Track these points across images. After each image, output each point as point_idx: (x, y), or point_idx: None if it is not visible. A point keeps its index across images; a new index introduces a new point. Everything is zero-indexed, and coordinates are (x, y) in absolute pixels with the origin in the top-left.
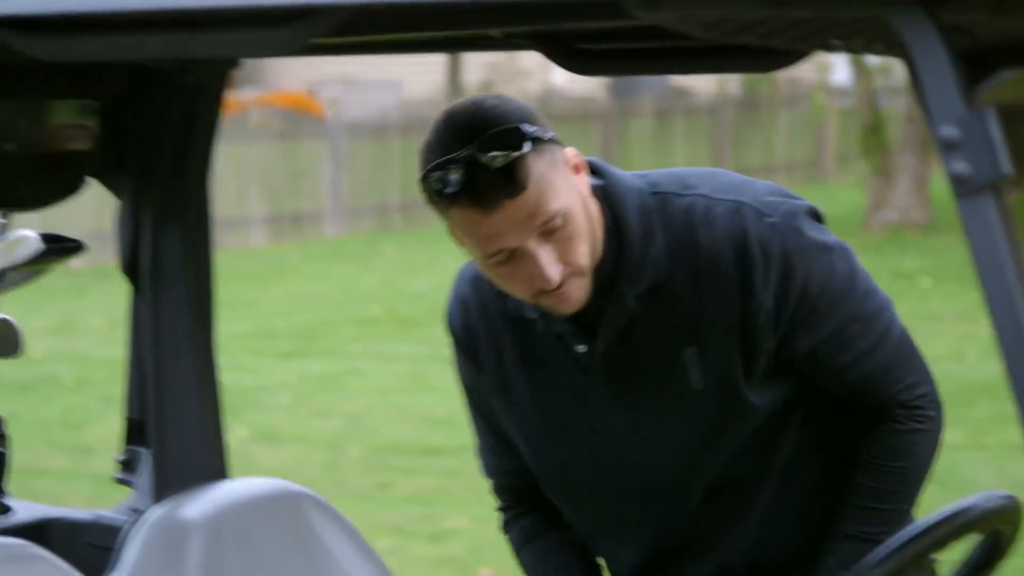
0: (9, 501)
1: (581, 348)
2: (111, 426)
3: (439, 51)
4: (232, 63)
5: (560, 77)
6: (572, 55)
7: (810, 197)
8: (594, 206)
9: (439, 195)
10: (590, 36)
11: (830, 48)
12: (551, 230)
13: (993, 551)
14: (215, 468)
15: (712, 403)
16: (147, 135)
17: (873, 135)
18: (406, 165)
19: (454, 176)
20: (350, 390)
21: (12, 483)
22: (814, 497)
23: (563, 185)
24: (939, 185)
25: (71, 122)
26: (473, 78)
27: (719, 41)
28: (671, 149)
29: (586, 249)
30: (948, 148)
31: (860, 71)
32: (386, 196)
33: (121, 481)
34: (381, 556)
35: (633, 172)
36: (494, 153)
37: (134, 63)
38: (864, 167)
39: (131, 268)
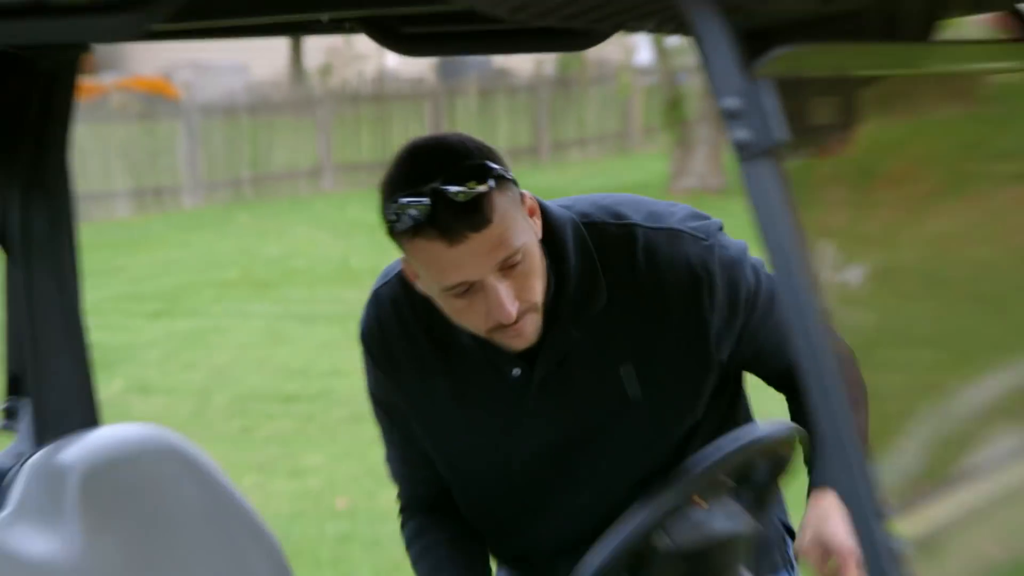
0: None
1: (516, 372)
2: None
3: (274, 35)
4: (83, 48)
5: (392, 60)
6: (399, 38)
7: (619, 167)
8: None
9: (403, 226)
10: (414, 20)
11: (626, 29)
12: (511, 265)
13: (774, 473)
14: (88, 417)
15: (649, 414)
16: (7, 116)
17: (673, 110)
18: (255, 141)
19: (419, 208)
20: (213, 345)
21: None
22: None
23: (523, 224)
24: (731, 154)
25: None
26: (313, 62)
27: (528, 23)
28: (494, 125)
29: (540, 286)
30: (731, 117)
31: (661, 52)
32: (238, 170)
33: (5, 428)
34: (245, 493)
35: (558, 201)
36: (460, 188)
37: None
38: (666, 139)
39: (2, 238)
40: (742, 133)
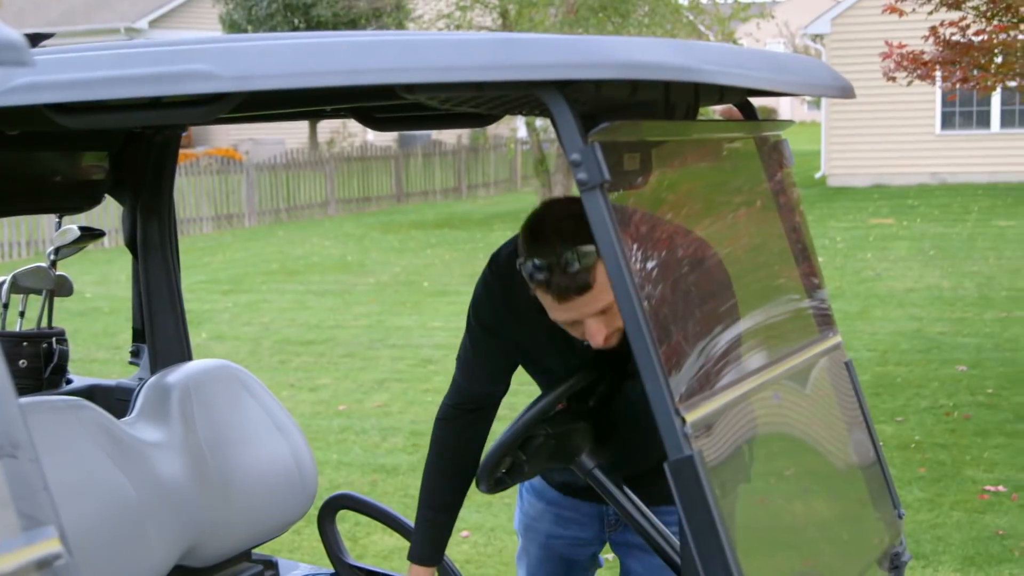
0: (71, 376)
1: (586, 342)
2: (130, 335)
3: (297, 119)
4: (181, 127)
5: (371, 136)
6: (374, 121)
7: (509, 200)
8: None
9: (529, 278)
10: (384, 109)
11: (511, 112)
12: (603, 312)
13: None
14: (184, 355)
15: None
16: (137, 170)
17: (540, 164)
18: (287, 186)
19: (542, 273)
20: (262, 310)
21: (73, 368)
22: None
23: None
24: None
25: (93, 164)
26: (323, 137)
27: (451, 110)
28: (433, 174)
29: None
30: (575, 165)
31: (532, 129)
32: (278, 203)
33: (133, 362)
34: (281, 401)
35: None
36: (573, 266)
37: (127, 129)
38: (536, 182)
39: (131, 244)
40: (582, 175)
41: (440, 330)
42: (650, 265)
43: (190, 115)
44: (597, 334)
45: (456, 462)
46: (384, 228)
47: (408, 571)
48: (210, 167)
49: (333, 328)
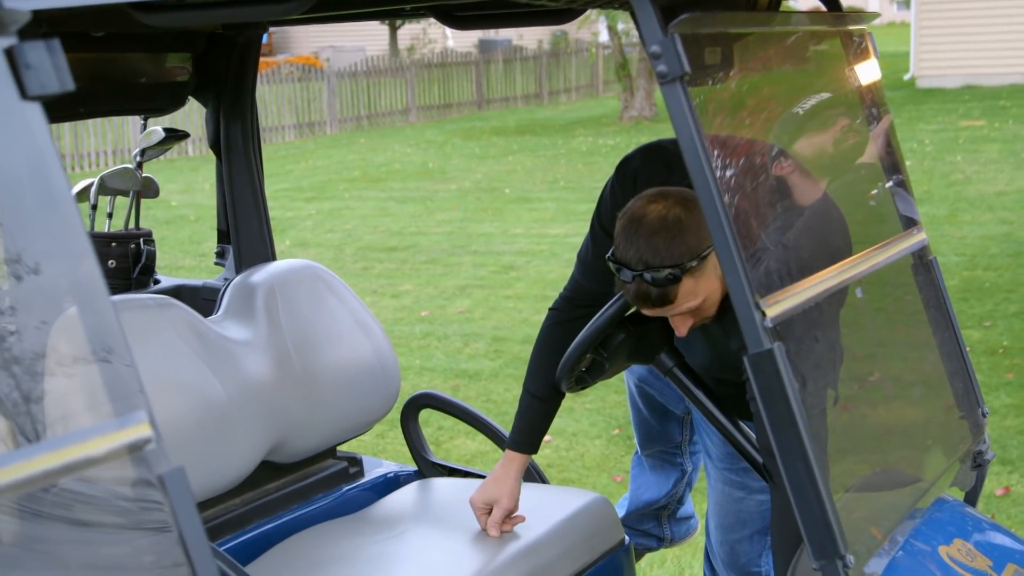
0: (158, 277)
1: None
2: (215, 242)
3: (375, 19)
4: (263, 27)
5: (451, 42)
6: (454, 19)
7: (590, 105)
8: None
9: (617, 272)
10: (463, 7)
11: (589, 5)
12: (686, 312)
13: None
14: (268, 255)
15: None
16: (216, 73)
17: (622, 69)
18: (368, 93)
19: (626, 278)
20: (344, 217)
21: (162, 270)
22: None
23: (704, 286)
24: (660, 96)
25: (178, 65)
26: (403, 44)
27: (531, 4)
28: (514, 80)
29: (713, 309)
30: (655, 58)
31: (613, 32)
32: (359, 111)
33: (219, 263)
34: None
35: None
36: (656, 276)
37: (209, 30)
38: (618, 87)
39: (215, 146)
40: (662, 67)
41: (522, 237)
42: (730, 162)
43: (270, 11)
44: (681, 326)
45: (562, 353)
46: (465, 135)
47: (504, 458)
48: (291, 75)
49: (415, 235)
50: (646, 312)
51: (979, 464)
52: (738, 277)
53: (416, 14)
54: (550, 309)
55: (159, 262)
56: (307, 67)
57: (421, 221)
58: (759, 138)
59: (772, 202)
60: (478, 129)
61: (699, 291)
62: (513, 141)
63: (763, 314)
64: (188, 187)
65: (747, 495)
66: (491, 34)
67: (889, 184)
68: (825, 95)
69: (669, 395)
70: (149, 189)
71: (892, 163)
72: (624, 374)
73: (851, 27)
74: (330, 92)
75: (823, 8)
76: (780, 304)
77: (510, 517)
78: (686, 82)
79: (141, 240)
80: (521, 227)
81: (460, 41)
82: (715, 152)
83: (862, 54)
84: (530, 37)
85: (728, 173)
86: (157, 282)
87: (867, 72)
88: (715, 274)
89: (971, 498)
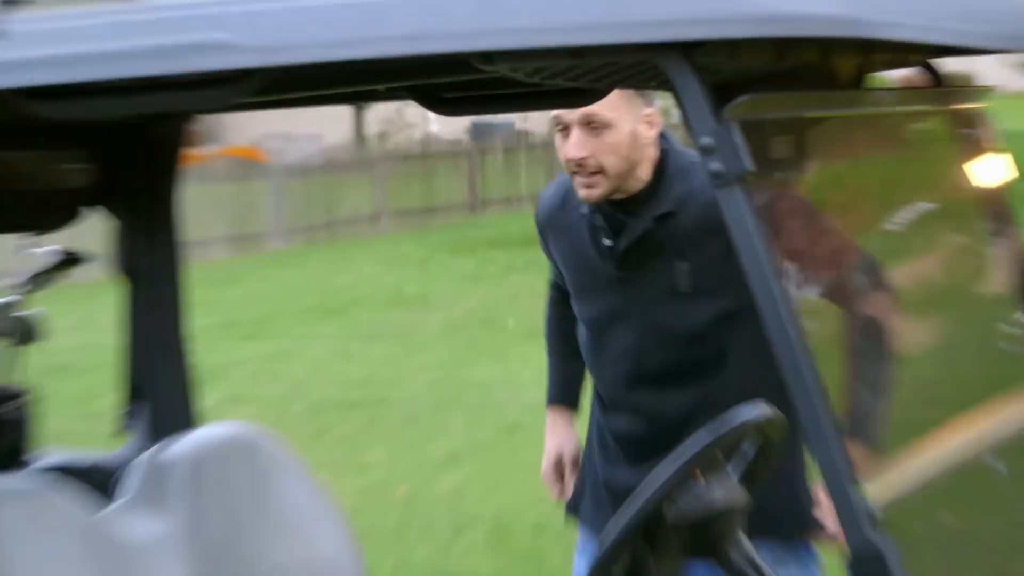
0: (37, 452)
1: (607, 242)
2: (115, 399)
3: (341, 103)
4: (185, 117)
5: (435, 126)
6: (440, 102)
7: None
8: (648, 151)
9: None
10: (452, 87)
11: (618, 85)
12: (590, 123)
13: (762, 450)
14: (192, 421)
15: (691, 304)
16: (131, 175)
17: None
18: (327, 194)
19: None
20: (293, 362)
21: (41, 440)
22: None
23: (626, 115)
24: None
25: (72, 166)
26: (372, 130)
27: (543, 83)
28: (518, 174)
29: (613, 162)
30: (706, 153)
31: None
32: (313, 218)
33: (124, 430)
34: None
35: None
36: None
37: (120, 121)
38: None
39: (124, 274)
40: (716, 165)
41: (531, 385)
42: (810, 290)
43: (203, 99)
44: (576, 144)
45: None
46: (454, 248)
47: (548, 418)
48: (226, 172)
49: (387, 385)
50: (557, 127)
51: None
52: (828, 450)
53: (392, 96)
54: (549, 294)
55: (37, 429)
56: (246, 161)
57: (396, 366)
58: (841, 261)
59: (868, 339)
60: (471, 241)
61: (614, 111)
62: (517, 256)
63: (864, 498)
64: (81, 323)
65: None
66: (485, 116)
67: (1018, 314)
68: (930, 202)
69: None
70: (27, 331)
71: (1021, 282)
72: None
73: (961, 106)
74: (276, 194)
75: (920, 83)
76: (889, 483)
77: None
78: (748, 183)
79: (14, 403)
80: (529, 372)
81: (447, 125)
82: (789, 265)
83: (978, 142)
84: (538, 118)
85: (807, 294)
86: (35, 459)
87: (987, 166)
88: (633, 122)
89: None
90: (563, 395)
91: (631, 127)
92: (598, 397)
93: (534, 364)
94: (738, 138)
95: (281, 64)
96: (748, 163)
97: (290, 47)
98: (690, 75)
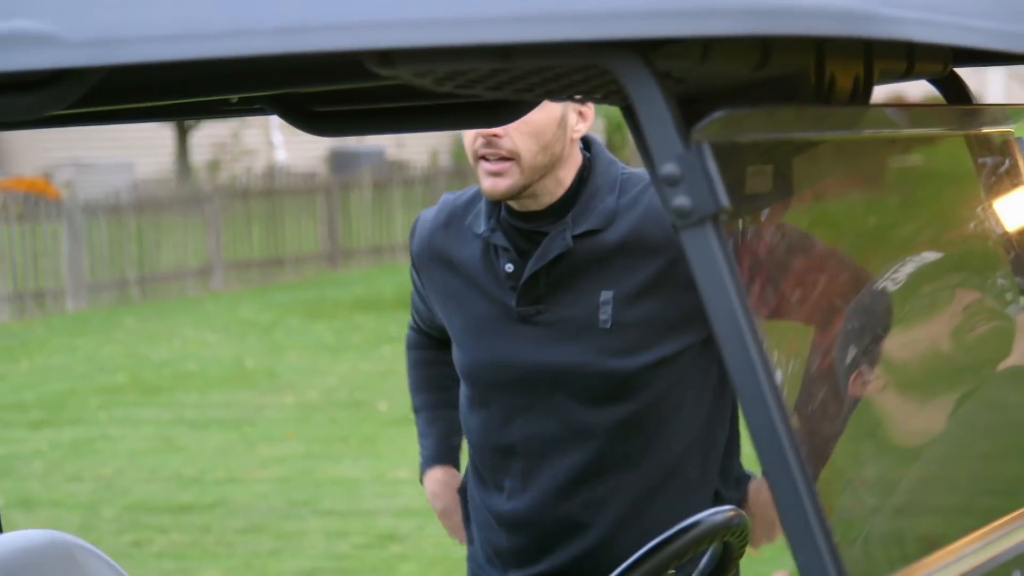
0: None
1: (508, 267)
2: None
3: (183, 118)
4: None
5: (282, 154)
6: (311, 117)
7: None
8: (573, 150)
9: None
10: (328, 97)
11: (552, 96)
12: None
13: (723, 561)
14: None
15: (614, 343)
16: None
17: None
18: (141, 241)
19: None
20: (101, 455)
21: None
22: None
23: (552, 104)
24: None
25: None
26: (200, 158)
27: (453, 94)
28: (391, 217)
29: (531, 148)
30: (670, 184)
31: None
32: (124, 271)
33: None
34: None
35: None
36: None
37: None
38: None
39: None
40: (682, 200)
41: (408, 484)
42: (793, 352)
43: (8, 108)
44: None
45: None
46: (309, 311)
47: (426, 485)
48: (5, 211)
49: (224, 484)
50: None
51: None
52: (817, 553)
53: (247, 110)
54: (407, 342)
55: None
56: (32, 196)
57: (235, 460)
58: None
59: (869, 414)
60: (330, 302)
61: (546, 111)
62: (390, 321)
63: None
64: None
65: None
66: (350, 141)
67: None
68: (946, 249)
69: None
70: None
71: None
72: None
73: (987, 130)
74: (72, 239)
75: (940, 100)
76: None
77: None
78: (721, 222)
79: None
80: (406, 468)
81: (299, 151)
82: (770, 324)
83: (1007, 175)
84: (416, 146)
85: (795, 363)
86: None
87: (1015, 205)
88: (555, 109)
89: None
90: (443, 454)
91: (560, 111)
92: (477, 475)
93: (411, 457)
94: (710, 165)
95: (110, 64)
96: (723, 198)
97: (122, 41)
98: (649, 83)
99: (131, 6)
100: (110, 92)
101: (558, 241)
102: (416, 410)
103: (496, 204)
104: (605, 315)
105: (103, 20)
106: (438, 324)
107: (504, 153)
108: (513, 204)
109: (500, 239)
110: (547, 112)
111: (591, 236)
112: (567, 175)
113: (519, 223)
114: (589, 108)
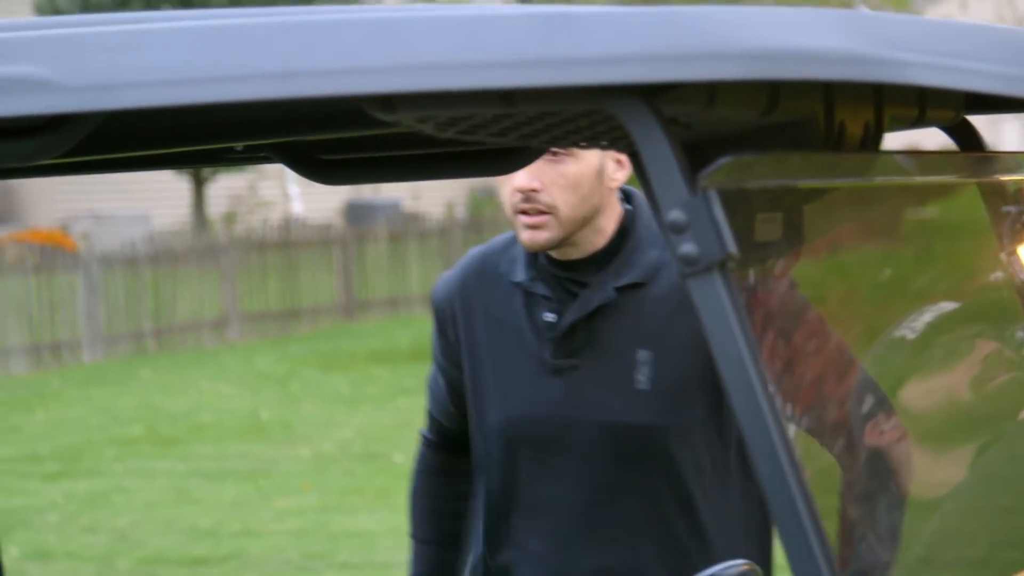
0: None
1: (549, 316)
2: None
3: (186, 166)
4: None
5: (298, 206)
6: (317, 166)
7: None
8: (612, 199)
9: None
10: (333, 146)
11: (558, 144)
12: (551, 158)
13: None
14: None
15: (650, 405)
16: None
17: None
18: (157, 292)
19: None
20: (116, 507)
21: None
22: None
23: (589, 155)
24: None
25: None
26: (216, 210)
27: (456, 141)
28: (406, 269)
29: (570, 201)
30: (676, 231)
31: None
32: (140, 323)
33: None
34: None
35: None
36: None
37: None
38: None
39: None
40: (688, 247)
41: None
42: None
43: (5, 154)
44: (529, 174)
45: (448, 498)
46: (324, 363)
47: None
48: (22, 263)
49: (240, 536)
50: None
51: None
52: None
53: (253, 158)
54: (417, 459)
55: None
56: (49, 248)
57: (251, 512)
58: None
59: (879, 457)
60: (346, 354)
61: (584, 162)
62: (406, 373)
63: None
64: None
65: None
66: (366, 193)
67: None
68: (954, 300)
69: None
70: None
71: None
72: None
73: (1000, 178)
74: (89, 291)
75: (953, 147)
76: None
77: None
78: (729, 270)
79: None
80: None
81: (315, 203)
82: (781, 374)
83: (1021, 223)
84: (432, 198)
85: (803, 409)
86: None
87: None
88: (595, 163)
89: None
90: None
91: (599, 161)
92: (494, 541)
93: None
94: (717, 212)
95: (107, 109)
96: (730, 245)
97: (119, 86)
98: (655, 129)
99: (128, 51)
100: (110, 138)
101: (600, 292)
102: (412, 536)
103: (535, 253)
104: (642, 375)
105: (100, 65)
106: (455, 410)
107: (542, 207)
108: (553, 253)
109: (541, 288)
110: (584, 163)
111: (633, 289)
112: (608, 224)
113: (559, 271)
114: (624, 160)
